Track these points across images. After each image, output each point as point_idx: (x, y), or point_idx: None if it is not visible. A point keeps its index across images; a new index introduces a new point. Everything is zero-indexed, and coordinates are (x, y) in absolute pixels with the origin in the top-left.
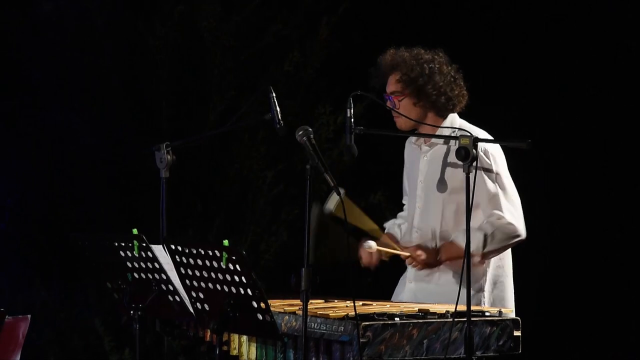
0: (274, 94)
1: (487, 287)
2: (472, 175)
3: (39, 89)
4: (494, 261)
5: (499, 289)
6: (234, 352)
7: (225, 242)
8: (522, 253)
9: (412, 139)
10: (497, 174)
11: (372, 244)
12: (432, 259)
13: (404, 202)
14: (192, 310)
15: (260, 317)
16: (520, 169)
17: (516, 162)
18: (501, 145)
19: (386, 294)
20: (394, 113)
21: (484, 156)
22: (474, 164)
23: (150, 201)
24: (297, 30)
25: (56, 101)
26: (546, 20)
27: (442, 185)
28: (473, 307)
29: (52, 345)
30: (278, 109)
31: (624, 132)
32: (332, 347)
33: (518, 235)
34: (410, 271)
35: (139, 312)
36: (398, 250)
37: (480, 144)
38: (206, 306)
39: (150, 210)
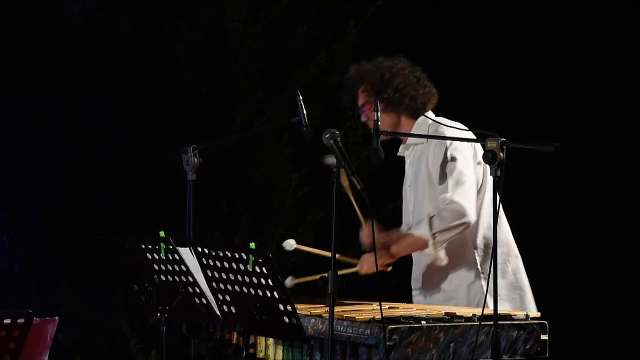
0: (300, 97)
1: (506, 292)
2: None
3: (66, 92)
4: (507, 259)
5: (518, 291)
6: (261, 355)
7: (252, 245)
8: (549, 256)
9: (400, 148)
10: (452, 156)
11: (291, 242)
12: (383, 258)
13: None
14: (218, 312)
15: (286, 319)
16: (534, 169)
17: (532, 164)
18: (529, 149)
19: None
20: (368, 124)
21: (449, 144)
22: (502, 168)
23: (176, 203)
24: (323, 33)
25: (83, 103)
26: (550, 21)
27: (422, 185)
28: (503, 311)
29: (79, 347)
30: (305, 112)
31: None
32: (358, 350)
33: (464, 215)
34: (413, 281)
35: (166, 315)
36: (321, 252)
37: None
38: (233, 309)
39: (176, 212)
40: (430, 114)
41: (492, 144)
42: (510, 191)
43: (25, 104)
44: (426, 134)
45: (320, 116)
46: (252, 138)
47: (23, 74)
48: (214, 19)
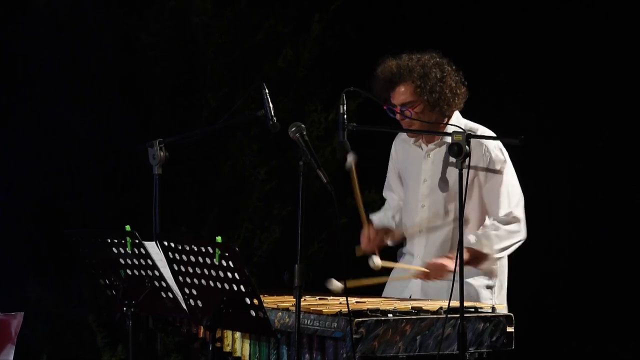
0: (267, 91)
1: (497, 284)
2: (464, 172)
3: (34, 85)
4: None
5: (502, 287)
6: (228, 349)
7: (218, 239)
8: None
9: (411, 139)
10: (507, 170)
11: (376, 260)
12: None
13: (385, 196)
14: (185, 306)
15: (253, 313)
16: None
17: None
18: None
19: (380, 291)
20: (405, 122)
21: (499, 153)
22: (467, 160)
23: (144, 198)
24: (289, 27)
25: (51, 97)
26: (538, 17)
27: (444, 184)
28: (469, 303)
29: (46, 342)
30: (271, 105)
31: (623, 128)
32: (325, 343)
33: (522, 234)
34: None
35: (132, 309)
36: (405, 266)
37: (492, 142)
38: (199, 303)
39: (144, 206)
40: (458, 114)
41: (458, 137)
42: None
43: None
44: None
45: (286, 110)
46: (219, 132)
47: None
48: (179, 12)
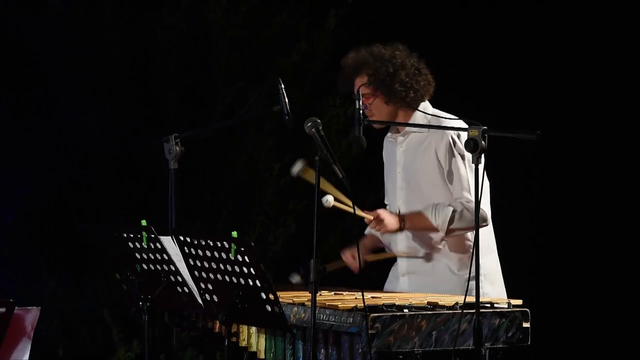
0: (282, 86)
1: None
2: (480, 167)
3: (48, 81)
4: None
5: (489, 276)
6: (243, 344)
7: (234, 234)
8: (528, 244)
9: (388, 134)
10: (469, 159)
11: (329, 198)
12: (395, 223)
13: (386, 202)
14: (200, 301)
15: (269, 308)
16: (522, 158)
17: (517, 152)
18: (509, 137)
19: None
20: (367, 113)
21: (458, 140)
22: (483, 156)
23: (158, 192)
24: (304, 21)
25: (65, 93)
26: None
27: (421, 172)
28: (484, 299)
29: (61, 337)
30: (286, 100)
31: (619, 123)
32: (340, 338)
33: (485, 221)
34: (402, 265)
35: (148, 304)
36: (353, 209)
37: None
38: (215, 297)
39: (158, 201)
40: (427, 103)
41: (473, 132)
42: (492, 181)
43: (6, 95)
44: (422, 124)
45: (301, 104)
46: (233, 127)
47: (3, 64)
48: (194, 7)
